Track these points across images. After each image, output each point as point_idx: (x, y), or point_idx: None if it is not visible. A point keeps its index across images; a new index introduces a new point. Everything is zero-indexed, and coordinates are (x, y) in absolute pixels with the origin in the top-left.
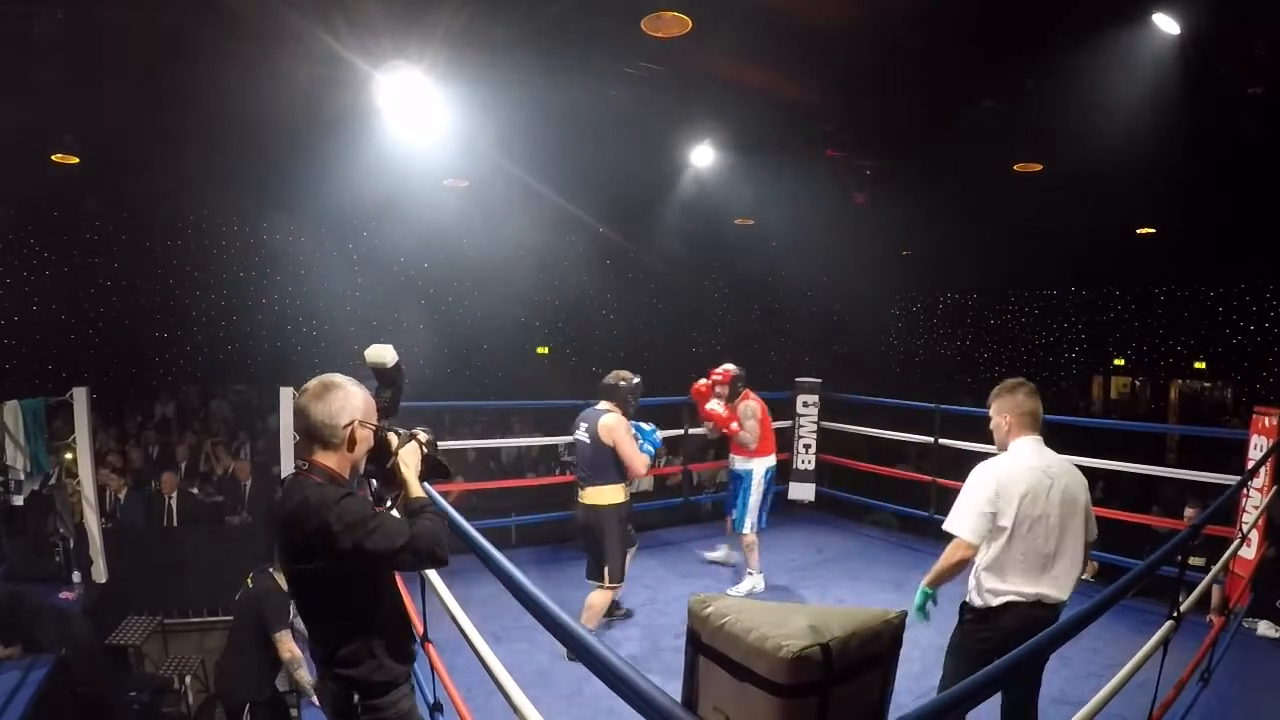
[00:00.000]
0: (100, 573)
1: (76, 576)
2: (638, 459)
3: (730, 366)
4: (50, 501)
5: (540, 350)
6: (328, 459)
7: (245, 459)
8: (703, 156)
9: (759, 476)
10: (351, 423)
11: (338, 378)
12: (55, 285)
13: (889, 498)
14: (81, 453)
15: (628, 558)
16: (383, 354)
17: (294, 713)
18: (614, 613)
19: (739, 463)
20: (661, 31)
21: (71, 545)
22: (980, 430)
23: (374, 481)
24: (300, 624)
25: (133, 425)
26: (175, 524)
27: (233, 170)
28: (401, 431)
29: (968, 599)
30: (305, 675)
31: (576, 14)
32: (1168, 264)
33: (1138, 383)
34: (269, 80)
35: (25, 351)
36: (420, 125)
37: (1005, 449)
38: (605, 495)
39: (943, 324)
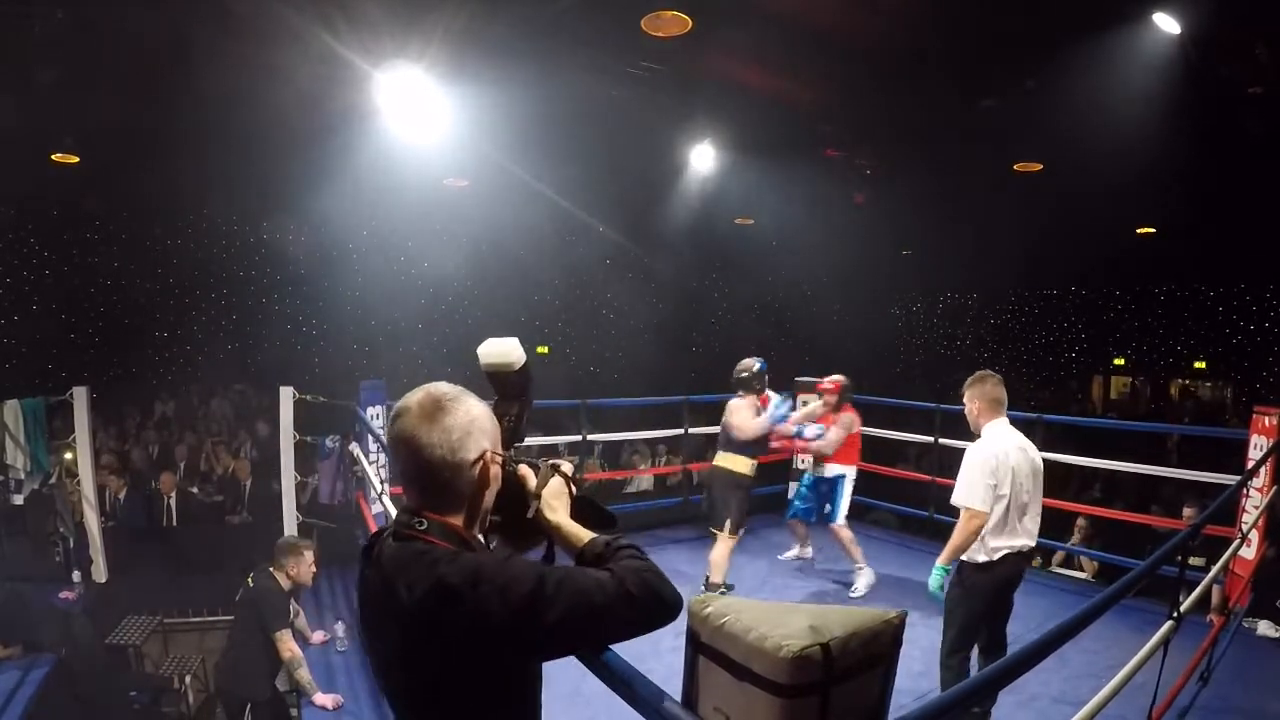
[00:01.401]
0: (100, 572)
1: (76, 576)
2: (749, 426)
3: (840, 377)
4: (50, 501)
5: (540, 350)
6: (452, 513)
7: (245, 459)
8: (703, 156)
9: (851, 479)
10: (483, 455)
11: (448, 388)
12: (55, 285)
13: (889, 498)
14: (81, 452)
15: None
16: (506, 353)
17: (294, 713)
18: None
19: (833, 468)
20: (661, 31)
21: (71, 545)
22: None
23: (489, 541)
24: (301, 623)
25: (133, 425)
26: (175, 524)
27: (233, 170)
28: (540, 464)
29: (969, 558)
30: (305, 675)
31: (576, 14)
32: (1168, 264)
33: (1138, 383)
34: (269, 79)
35: (25, 351)
36: (420, 125)
37: (977, 429)
38: (731, 461)
39: (943, 324)
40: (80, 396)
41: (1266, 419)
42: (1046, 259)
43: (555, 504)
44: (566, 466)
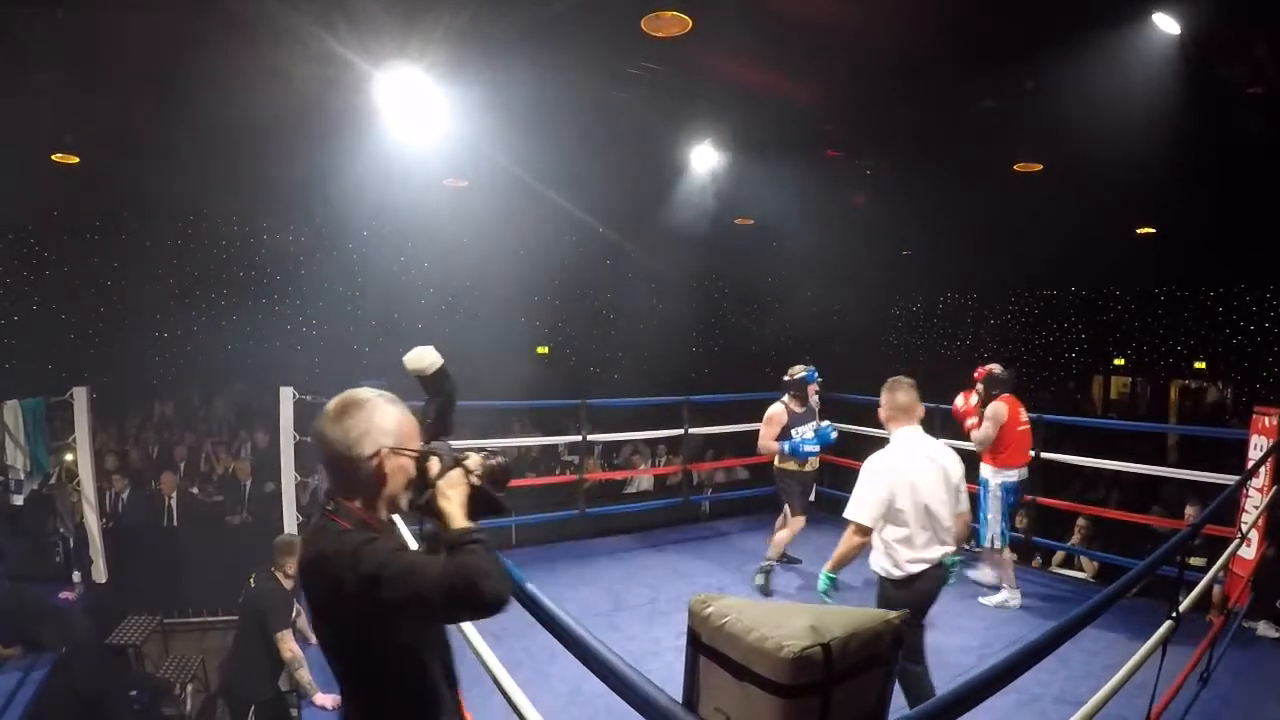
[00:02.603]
0: (100, 573)
1: (76, 576)
2: (762, 440)
3: (992, 366)
4: (50, 501)
5: (540, 350)
6: (355, 498)
7: (245, 459)
8: (703, 157)
9: (994, 486)
10: (378, 451)
11: (363, 393)
12: (55, 285)
13: None
14: (81, 453)
15: (791, 526)
16: (421, 358)
17: (294, 713)
18: (783, 558)
19: (982, 469)
20: (661, 31)
21: (71, 545)
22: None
23: (421, 522)
24: (302, 623)
25: (133, 425)
26: (175, 524)
27: (233, 170)
28: (445, 455)
29: (885, 574)
30: (306, 675)
31: (576, 14)
32: (1168, 264)
33: (1138, 383)
34: (269, 79)
35: (25, 351)
36: (420, 125)
37: (889, 435)
38: (783, 463)
39: (943, 324)
40: (80, 396)
41: (1266, 419)
42: (1046, 259)
43: (449, 493)
44: (473, 460)
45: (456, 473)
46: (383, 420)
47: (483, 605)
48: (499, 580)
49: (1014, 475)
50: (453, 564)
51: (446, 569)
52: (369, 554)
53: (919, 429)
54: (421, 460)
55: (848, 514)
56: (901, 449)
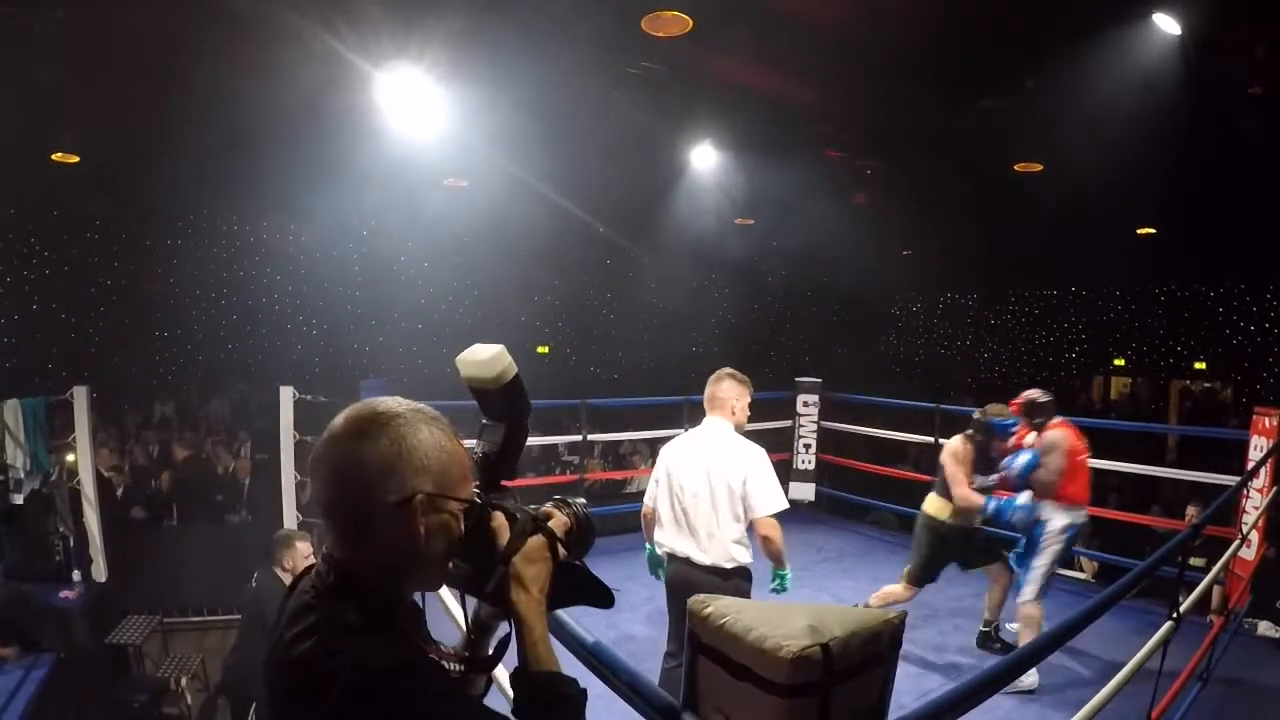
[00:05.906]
0: (100, 572)
1: (76, 576)
2: (960, 491)
3: (1031, 393)
4: (50, 500)
5: (540, 350)
6: (359, 560)
7: (245, 459)
8: (703, 157)
9: (1057, 529)
10: (411, 497)
11: (389, 405)
12: (55, 285)
13: (889, 498)
14: (81, 452)
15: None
16: (491, 363)
17: None
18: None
19: (1043, 508)
20: (661, 31)
21: (71, 544)
22: None
23: (471, 599)
24: None
25: (133, 425)
26: (175, 524)
27: (233, 170)
28: (520, 511)
29: None
30: None
31: (577, 14)
32: (1168, 264)
33: (1137, 383)
34: (269, 79)
35: (25, 351)
36: (420, 125)
37: None
38: (929, 504)
39: (943, 324)
40: (80, 396)
41: (1267, 420)
42: (1046, 259)
43: (527, 575)
44: (558, 519)
45: (537, 542)
46: (420, 450)
47: None
48: None
49: (1083, 515)
50: None
51: None
52: (393, 695)
53: (721, 423)
54: (477, 518)
55: None
56: (686, 436)
